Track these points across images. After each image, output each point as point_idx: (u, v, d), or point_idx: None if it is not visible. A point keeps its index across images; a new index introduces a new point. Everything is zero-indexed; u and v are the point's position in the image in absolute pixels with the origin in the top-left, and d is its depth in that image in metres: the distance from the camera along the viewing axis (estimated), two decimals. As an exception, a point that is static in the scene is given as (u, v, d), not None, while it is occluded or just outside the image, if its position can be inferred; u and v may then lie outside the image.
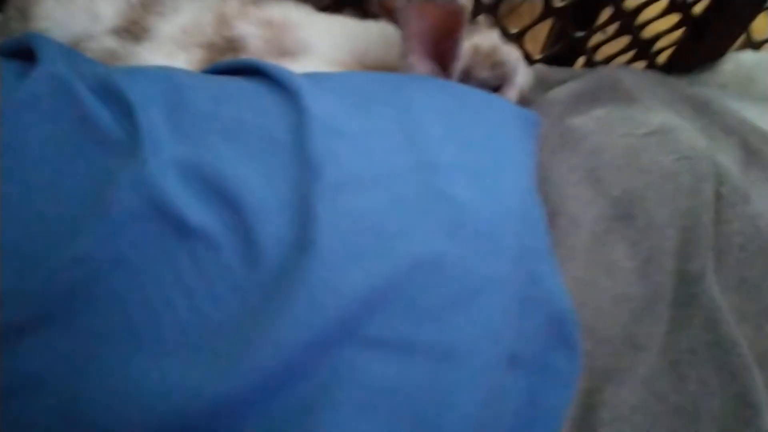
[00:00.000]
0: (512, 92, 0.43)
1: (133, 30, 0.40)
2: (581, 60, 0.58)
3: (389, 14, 0.40)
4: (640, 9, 0.52)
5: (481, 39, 0.41)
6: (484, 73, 0.41)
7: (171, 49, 0.40)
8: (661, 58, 0.57)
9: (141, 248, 0.26)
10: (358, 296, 0.26)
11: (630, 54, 0.57)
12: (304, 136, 0.29)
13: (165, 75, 0.33)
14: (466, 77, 0.40)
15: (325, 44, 0.41)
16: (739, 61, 0.54)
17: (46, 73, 0.30)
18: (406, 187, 0.29)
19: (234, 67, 0.36)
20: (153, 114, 0.29)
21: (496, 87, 0.43)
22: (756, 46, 0.57)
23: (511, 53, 0.43)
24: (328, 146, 0.29)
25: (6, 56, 0.34)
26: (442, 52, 0.38)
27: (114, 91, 0.30)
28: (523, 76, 0.44)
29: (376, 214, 0.28)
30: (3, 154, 0.27)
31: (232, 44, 0.40)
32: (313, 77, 0.34)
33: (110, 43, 0.40)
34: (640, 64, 0.58)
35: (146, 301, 0.26)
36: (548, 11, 0.51)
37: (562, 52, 0.57)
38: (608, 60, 0.58)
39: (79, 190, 0.27)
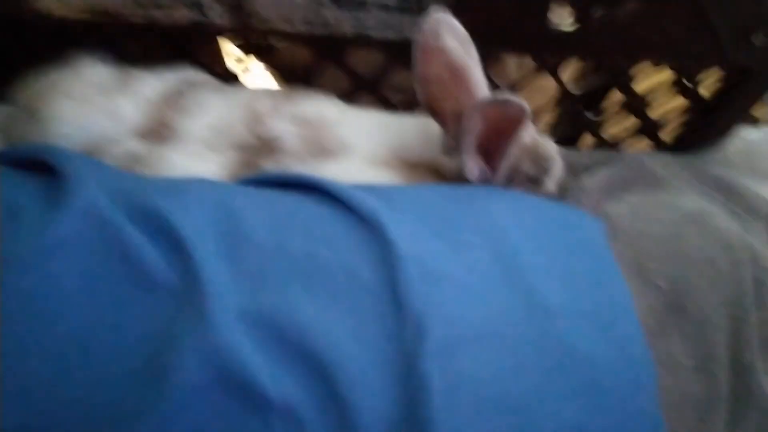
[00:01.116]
0: (552, 184, 0.42)
1: (158, 130, 0.37)
2: (587, 138, 0.59)
3: (435, 114, 0.39)
4: (648, 93, 0.53)
5: (523, 134, 0.40)
6: (526, 168, 0.40)
7: (201, 150, 0.37)
8: (667, 137, 0.58)
9: (207, 427, 0.22)
10: None
11: (635, 132, 0.58)
12: (396, 279, 0.25)
13: (215, 195, 0.28)
14: (513, 173, 0.39)
15: (364, 141, 0.39)
16: (744, 138, 0.55)
17: (80, 208, 0.25)
18: (523, 340, 0.26)
19: (284, 179, 0.32)
20: (209, 251, 0.25)
21: (535, 179, 0.42)
22: (755, 120, 0.59)
23: (549, 145, 0.42)
24: (428, 293, 0.25)
25: (12, 166, 0.29)
26: (490, 149, 0.37)
27: (159, 220, 0.26)
28: (560, 167, 0.43)
29: (498, 380, 0.24)
30: (28, 313, 0.22)
31: (268, 144, 0.38)
32: (382, 195, 0.30)
33: (135, 146, 0.36)
34: (646, 142, 0.59)
35: None
36: (565, 97, 0.52)
37: (570, 131, 0.58)
38: (613, 138, 0.59)
39: (128, 355, 0.22)
